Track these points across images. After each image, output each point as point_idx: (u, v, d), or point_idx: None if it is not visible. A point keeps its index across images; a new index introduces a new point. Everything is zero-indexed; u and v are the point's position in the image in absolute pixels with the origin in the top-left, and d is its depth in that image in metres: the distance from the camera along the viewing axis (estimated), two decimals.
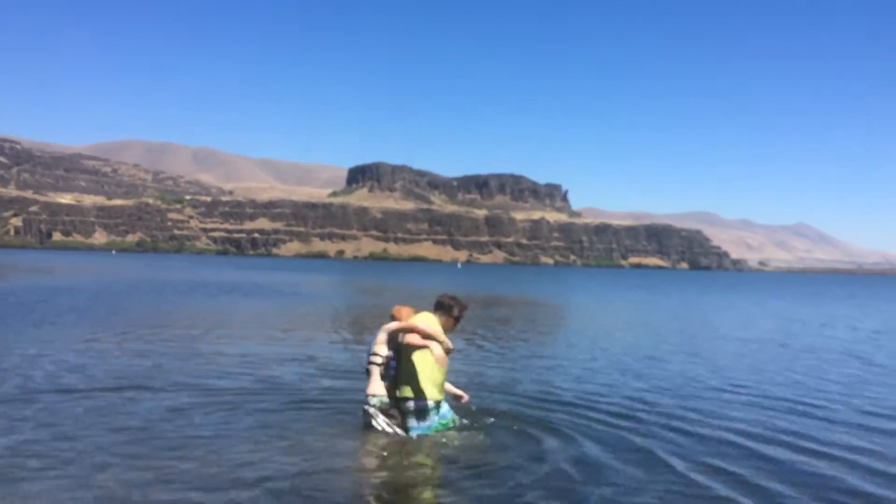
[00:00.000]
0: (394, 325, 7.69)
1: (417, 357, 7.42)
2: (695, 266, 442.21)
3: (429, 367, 7.42)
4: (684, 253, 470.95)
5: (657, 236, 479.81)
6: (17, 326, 16.81)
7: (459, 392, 8.01)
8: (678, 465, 6.89)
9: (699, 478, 6.51)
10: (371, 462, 6.77)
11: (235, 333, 17.57)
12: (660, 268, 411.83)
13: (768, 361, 15.23)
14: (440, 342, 7.44)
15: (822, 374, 13.61)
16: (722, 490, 6.21)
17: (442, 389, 7.57)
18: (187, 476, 6.04)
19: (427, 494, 6.03)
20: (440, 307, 7.75)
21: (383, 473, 6.48)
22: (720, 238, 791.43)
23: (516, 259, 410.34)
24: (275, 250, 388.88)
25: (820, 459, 7.30)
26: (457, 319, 7.76)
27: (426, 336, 7.39)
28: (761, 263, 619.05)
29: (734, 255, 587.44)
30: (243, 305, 28.53)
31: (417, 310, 7.90)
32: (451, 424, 7.56)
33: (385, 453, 6.97)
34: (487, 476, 6.36)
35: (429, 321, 7.60)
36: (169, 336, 16.23)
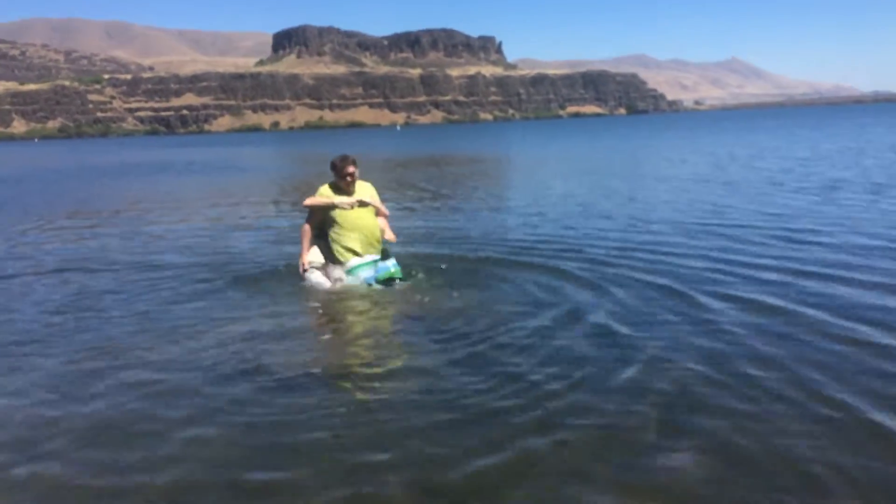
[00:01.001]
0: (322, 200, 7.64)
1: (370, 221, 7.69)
2: (632, 111, 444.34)
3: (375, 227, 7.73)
4: (621, 98, 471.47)
5: (594, 83, 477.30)
6: None
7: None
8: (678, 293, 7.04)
9: (716, 306, 6.57)
10: (340, 318, 6.87)
11: (177, 210, 17.16)
12: (598, 115, 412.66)
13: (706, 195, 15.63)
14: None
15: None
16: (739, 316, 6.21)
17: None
18: (141, 355, 5.90)
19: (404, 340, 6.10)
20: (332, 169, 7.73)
21: (363, 328, 6.53)
22: (655, 80, 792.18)
23: (455, 118, 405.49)
24: (207, 126, 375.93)
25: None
26: (343, 176, 7.59)
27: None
28: (696, 103, 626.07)
29: (670, 96, 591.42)
30: (181, 183, 27.80)
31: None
32: (395, 272, 7.53)
33: (356, 306, 7.07)
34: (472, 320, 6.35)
35: (321, 191, 7.70)
36: (110, 218, 15.76)
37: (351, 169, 7.58)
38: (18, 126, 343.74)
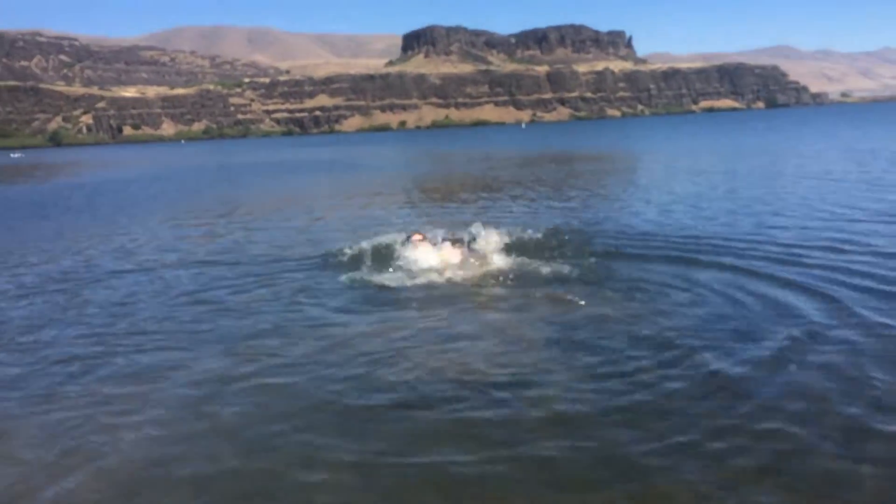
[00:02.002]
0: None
1: None
2: (771, 104, 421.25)
3: None
4: (759, 91, 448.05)
5: (730, 76, 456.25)
6: (131, 211, 17.04)
7: None
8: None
9: None
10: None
11: (313, 205, 17.41)
12: (734, 109, 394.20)
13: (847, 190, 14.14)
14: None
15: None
16: None
17: None
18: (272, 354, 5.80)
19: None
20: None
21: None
22: (798, 72, 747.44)
23: (582, 114, 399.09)
24: (337, 126, 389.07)
25: None
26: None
27: None
28: (843, 95, 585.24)
29: (814, 88, 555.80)
30: (329, 179, 28.80)
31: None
32: None
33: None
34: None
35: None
36: (243, 215, 16.15)
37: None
38: (168, 128, 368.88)
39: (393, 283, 7.49)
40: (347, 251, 9.63)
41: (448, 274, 7.70)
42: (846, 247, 8.96)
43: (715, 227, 10.82)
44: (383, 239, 10.01)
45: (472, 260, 8.16)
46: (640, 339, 5.44)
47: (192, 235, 13.09)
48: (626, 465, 3.47)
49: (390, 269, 8.07)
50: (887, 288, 6.83)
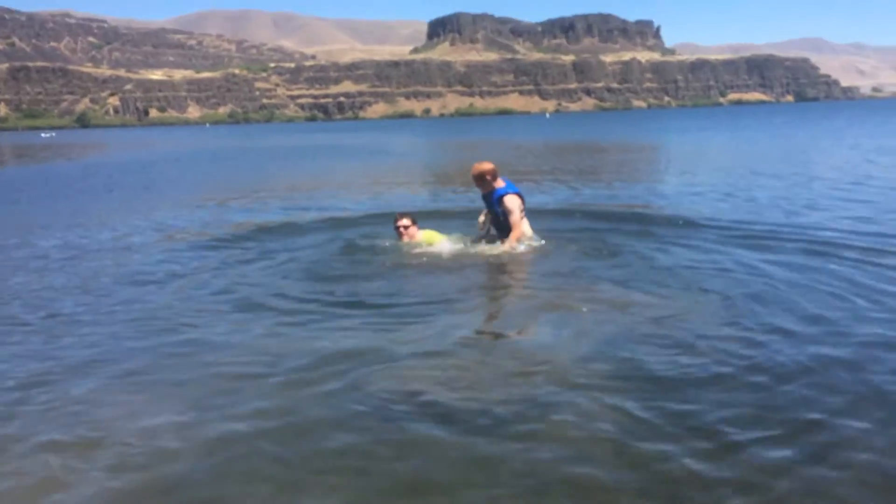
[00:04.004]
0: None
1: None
2: (801, 98, 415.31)
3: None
4: (789, 85, 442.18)
5: (759, 69, 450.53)
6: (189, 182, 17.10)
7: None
8: None
9: None
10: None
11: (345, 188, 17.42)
12: (762, 102, 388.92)
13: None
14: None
15: None
16: None
17: None
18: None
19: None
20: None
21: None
22: (829, 66, 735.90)
23: (607, 105, 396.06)
24: (361, 113, 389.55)
25: None
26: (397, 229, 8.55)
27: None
28: (875, 90, 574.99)
29: (845, 82, 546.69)
30: (347, 164, 28.82)
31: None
32: None
33: None
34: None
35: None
36: (260, 197, 16.14)
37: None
38: (193, 111, 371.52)
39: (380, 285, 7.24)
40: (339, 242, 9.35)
41: (447, 267, 7.47)
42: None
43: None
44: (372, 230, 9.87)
45: (473, 250, 7.90)
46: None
47: (169, 223, 12.89)
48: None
49: (376, 267, 7.85)
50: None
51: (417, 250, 8.26)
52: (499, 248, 7.98)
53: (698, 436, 3.77)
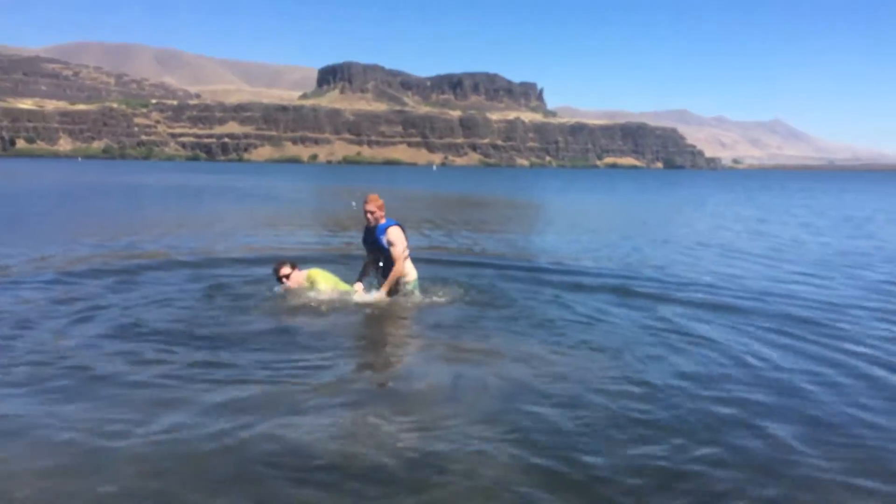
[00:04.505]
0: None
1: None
2: (669, 165, 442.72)
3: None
4: (658, 152, 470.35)
5: (633, 136, 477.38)
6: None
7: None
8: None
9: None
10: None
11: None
12: (635, 167, 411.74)
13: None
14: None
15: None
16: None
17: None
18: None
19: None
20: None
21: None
22: (695, 136, 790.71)
23: (492, 161, 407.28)
24: (246, 155, 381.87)
25: None
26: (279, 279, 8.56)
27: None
28: (735, 161, 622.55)
29: (708, 153, 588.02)
30: (233, 208, 27.78)
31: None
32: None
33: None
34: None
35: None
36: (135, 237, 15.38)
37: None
38: (64, 144, 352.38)
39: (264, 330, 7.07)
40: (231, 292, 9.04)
41: (333, 317, 7.44)
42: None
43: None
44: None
45: (365, 298, 7.93)
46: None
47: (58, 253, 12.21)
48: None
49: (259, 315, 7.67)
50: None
51: (300, 300, 8.12)
52: (383, 294, 7.99)
53: (601, 486, 3.85)
